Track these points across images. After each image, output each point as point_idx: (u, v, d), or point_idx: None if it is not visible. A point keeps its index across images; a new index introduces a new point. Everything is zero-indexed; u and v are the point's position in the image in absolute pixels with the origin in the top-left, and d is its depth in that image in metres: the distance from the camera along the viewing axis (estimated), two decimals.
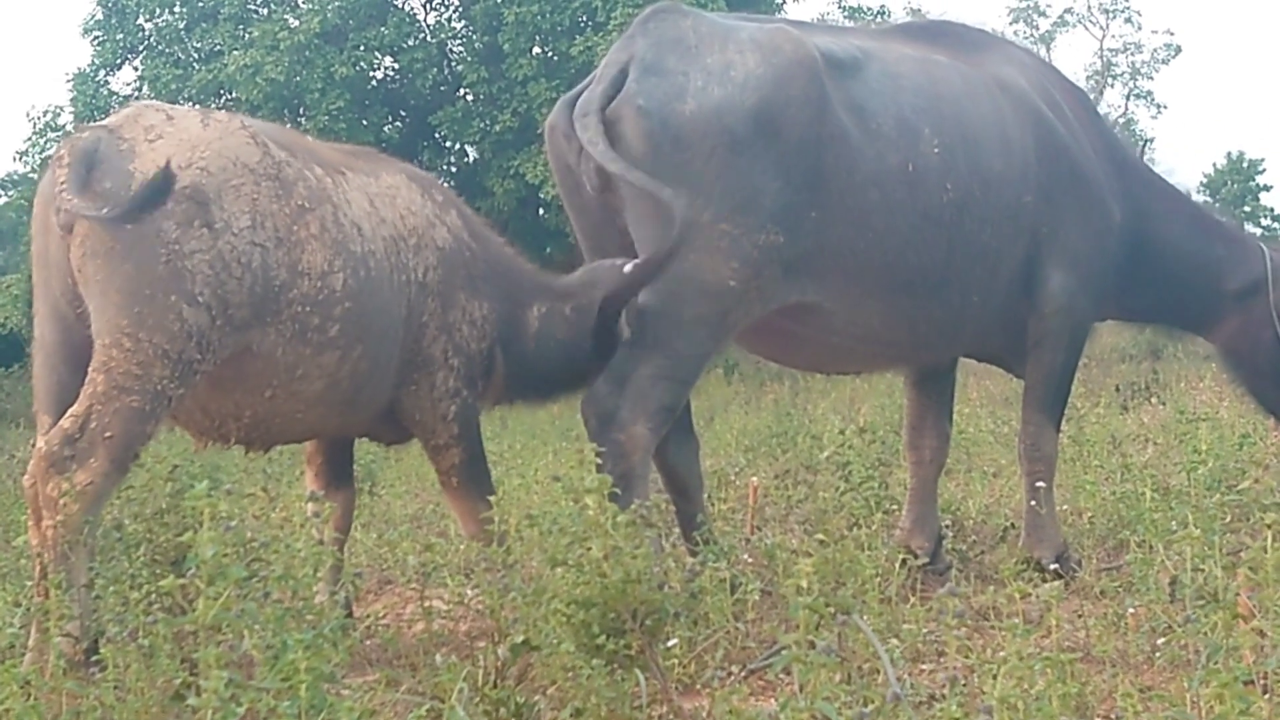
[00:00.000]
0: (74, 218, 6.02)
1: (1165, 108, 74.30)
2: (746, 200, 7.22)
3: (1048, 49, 59.52)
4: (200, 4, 37.96)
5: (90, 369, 6.05)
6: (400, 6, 38.25)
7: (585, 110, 7.37)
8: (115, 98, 37.16)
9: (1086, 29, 61.26)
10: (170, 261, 6.04)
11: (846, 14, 42.76)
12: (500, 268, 7.60)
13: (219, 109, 6.91)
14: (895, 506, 8.94)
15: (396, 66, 37.71)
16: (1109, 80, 60.60)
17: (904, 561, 7.50)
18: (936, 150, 7.76)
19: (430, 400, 7.23)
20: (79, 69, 38.20)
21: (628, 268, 7.34)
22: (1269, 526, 6.00)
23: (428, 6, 39.51)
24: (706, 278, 7.21)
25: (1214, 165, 61.53)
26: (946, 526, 9.16)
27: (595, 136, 7.25)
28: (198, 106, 7.06)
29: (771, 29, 7.67)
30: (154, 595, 6.19)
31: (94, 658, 5.82)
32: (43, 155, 38.97)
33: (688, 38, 7.45)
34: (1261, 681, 5.34)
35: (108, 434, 6.00)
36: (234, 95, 34.62)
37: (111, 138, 6.21)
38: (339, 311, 6.61)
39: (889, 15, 42.97)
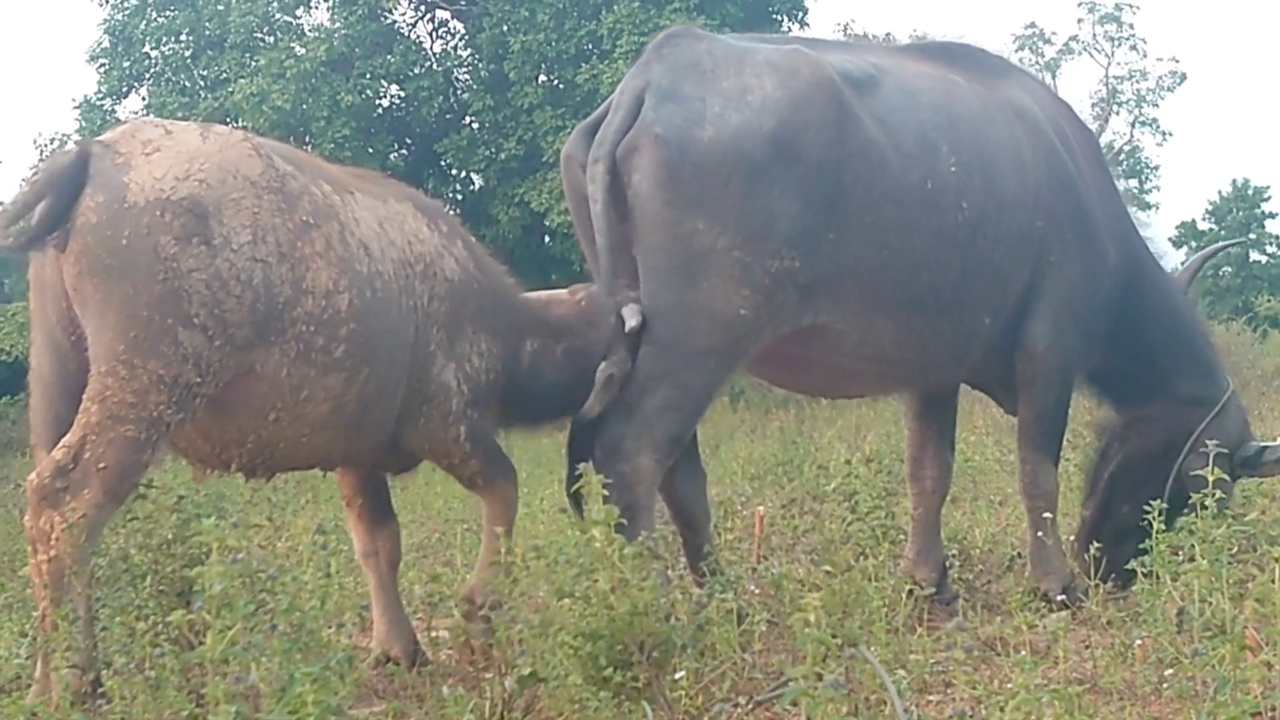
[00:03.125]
0: (67, 234, 5.88)
1: (1170, 135, 74.23)
2: (762, 226, 7.17)
3: (1053, 76, 59.56)
4: (207, 32, 38.09)
5: (85, 397, 5.91)
6: (406, 35, 38.38)
7: (598, 150, 7.33)
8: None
9: (1091, 56, 61.28)
10: (167, 280, 5.87)
11: (850, 39, 42.89)
12: (503, 299, 7.51)
13: None
14: (902, 536, 8.91)
15: (402, 94, 37.84)
16: (1114, 108, 60.65)
17: (910, 592, 7.49)
18: (953, 169, 7.73)
19: (443, 427, 7.09)
20: (86, 96, 38.34)
21: (628, 317, 7.28)
22: (1276, 559, 6.00)
23: (434, 35, 39.68)
24: (719, 306, 7.16)
25: (1219, 193, 61.54)
26: (953, 556, 9.14)
27: (596, 190, 7.28)
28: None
29: (787, 50, 7.61)
30: (161, 627, 6.19)
31: (99, 690, 5.80)
32: None
33: (703, 62, 7.40)
34: (1269, 714, 5.34)
35: (101, 464, 5.85)
36: (240, 123, 34.68)
37: (106, 152, 6.04)
38: (344, 332, 6.43)
39: (894, 42, 43.05)
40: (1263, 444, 8.90)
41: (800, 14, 38.42)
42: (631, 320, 7.23)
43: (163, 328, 5.88)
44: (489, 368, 7.28)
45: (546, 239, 35.82)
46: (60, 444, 5.91)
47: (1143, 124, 61.40)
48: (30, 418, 6.34)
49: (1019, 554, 9.13)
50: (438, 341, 7.03)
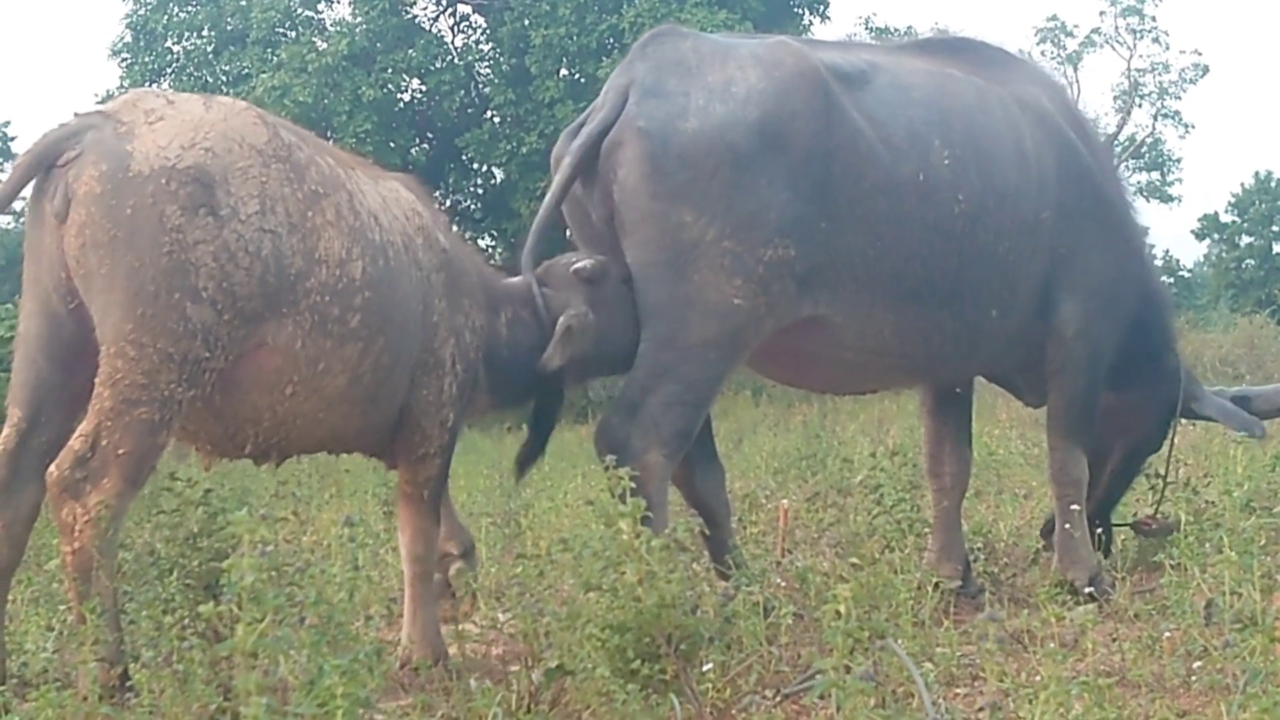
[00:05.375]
0: (68, 204, 5.78)
1: (1193, 127, 74.31)
2: (751, 216, 7.16)
3: (1074, 69, 59.42)
4: (228, 27, 38.19)
5: (97, 381, 5.80)
6: (428, 29, 38.41)
7: (574, 144, 7.52)
8: None
9: (1114, 49, 61.08)
10: (173, 253, 5.75)
11: (872, 34, 42.89)
12: (481, 277, 7.49)
13: None
14: (928, 529, 8.90)
15: (424, 89, 37.87)
16: (1136, 100, 60.49)
17: (937, 585, 7.48)
18: (947, 162, 7.70)
19: (436, 404, 6.99)
20: (108, 90, 38.40)
21: (577, 264, 7.50)
22: None
23: (455, 29, 39.71)
24: (711, 298, 7.15)
25: (1242, 185, 61.30)
26: (977, 549, 9.12)
27: (558, 182, 7.54)
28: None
29: (772, 43, 7.63)
30: (188, 620, 6.19)
31: (127, 683, 5.80)
32: None
33: (688, 58, 7.42)
34: None
35: (120, 451, 5.76)
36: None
37: (107, 121, 5.93)
38: (359, 301, 6.34)
39: (915, 35, 43.04)
40: (1247, 390, 9.38)
41: (821, 7, 38.40)
42: (580, 263, 7.45)
43: (170, 303, 5.77)
44: (476, 345, 7.23)
45: (568, 232, 35.80)
46: (77, 433, 5.83)
47: (1165, 116, 61.22)
48: (12, 378, 6.18)
49: (1044, 546, 9.11)
50: (440, 313, 6.97)
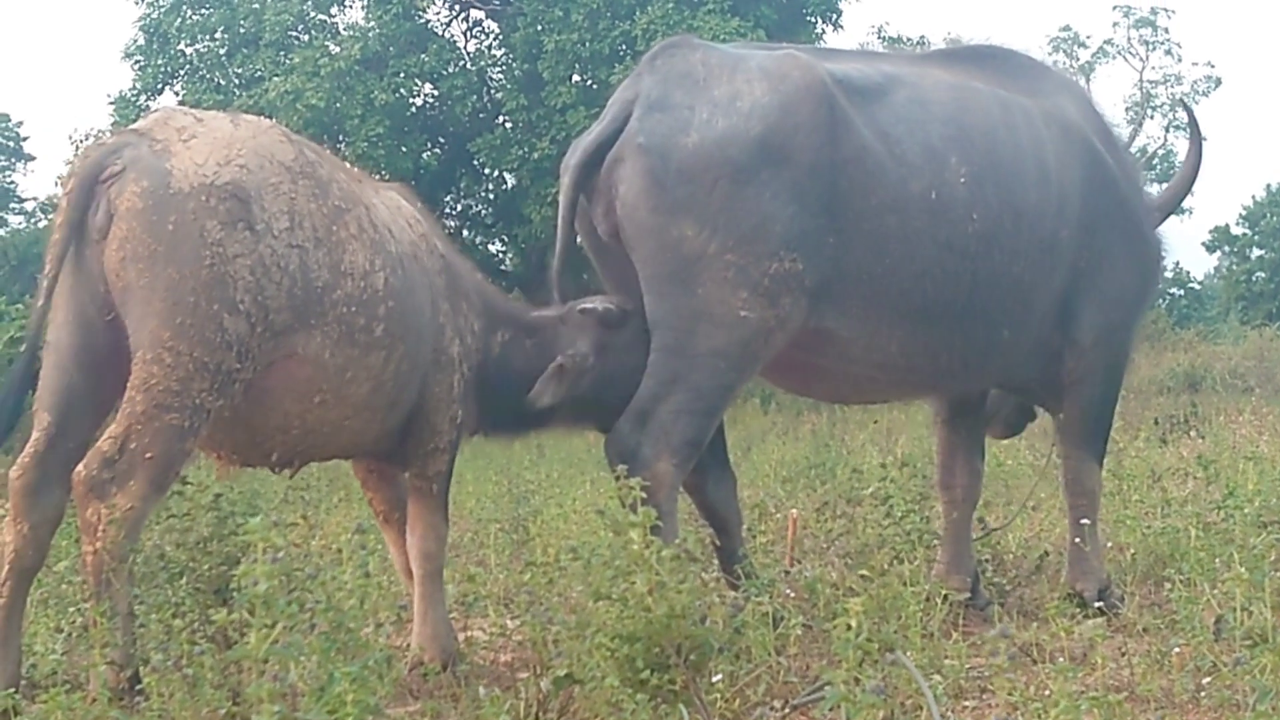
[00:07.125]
0: (110, 219, 5.90)
1: (1205, 139, 73.99)
2: (755, 229, 7.14)
3: (1087, 80, 59.34)
4: (241, 30, 38.15)
5: (130, 386, 5.90)
6: (440, 34, 38.39)
7: (569, 160, 7.59)
8: None
9: (1126, 60, 61.14)
10: (214, 265, 5.91)
11: (885, 43, 42.85)
12: (477, 288, 7.58)
13: None
14: (937, 541, 8.89)
15: (436, 93, 37.85)
16: (1149, 112, 60.43)
17: (945, 597, 7.47)
18: (963, 180, 7.65)
19: (447, 400, 7.12)
20: (121, 92, 38.42)
21: (586, 304, 7.57)
22: None
23: (468, 34, 39.68)
24: (715, 310, 7.14)
25: (1253, 197, 61.22)
26: (986, 561, 9.11)
27: (562, 199, 7.64)
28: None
29: (780, 55, 7.59)
30: (198, 624, 6.19)
31: (137, 687, 5.81)
32: None
33: (696, 71, 7.40)
34: None
35: (148, 455, 5.85)
36: (275, 121, 34.64)
37: (143, 140, 6.08)
38: (383, 311, 6.52)
39: (928, 44, 43.03)
40: None
41: (834, 16, 38.29)
42: (590, 304, 7.56)
43: (208, 313, 5.90)
44: (477, 347, 7.35)
45: (579, 239, 35.77)
46: (105, 435, 5.91)
47: (1177, 128, 61.14)
48: (40, 383, 6.22)
49: (1046, 555, 9.14)
50: (445, 313, 7.13)
